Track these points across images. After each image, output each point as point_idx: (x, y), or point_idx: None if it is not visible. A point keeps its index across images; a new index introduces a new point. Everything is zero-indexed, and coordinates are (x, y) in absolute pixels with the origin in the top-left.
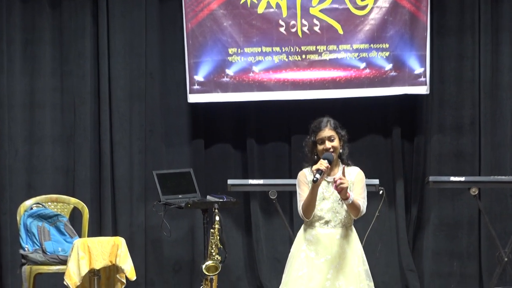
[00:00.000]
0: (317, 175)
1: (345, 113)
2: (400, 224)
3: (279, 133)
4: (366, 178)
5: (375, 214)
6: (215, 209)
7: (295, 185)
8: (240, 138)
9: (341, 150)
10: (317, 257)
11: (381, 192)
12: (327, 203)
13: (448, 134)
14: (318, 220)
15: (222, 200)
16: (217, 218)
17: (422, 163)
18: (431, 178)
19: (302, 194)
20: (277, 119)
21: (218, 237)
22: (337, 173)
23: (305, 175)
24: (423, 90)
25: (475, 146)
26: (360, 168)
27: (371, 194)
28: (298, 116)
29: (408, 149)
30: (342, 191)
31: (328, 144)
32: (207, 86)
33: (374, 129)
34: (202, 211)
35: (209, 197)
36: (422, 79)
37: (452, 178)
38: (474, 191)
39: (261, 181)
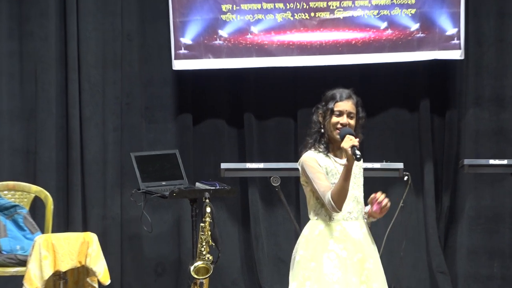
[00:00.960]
0: (357, 152)
1: (362, 82)
2: (429, 216)
3: (283, 106)
4: (388, 159)
5: (399, 204)
6: (205, 198)
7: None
8: (236, 113)
9: (356, 132)
10: (349, 256)
11: (406, 178)
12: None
13: (487, 108)
14: (341, 212)
15: (214, 188)
16: (208, 209)
17: (455, 143)
18: (466, 161)
19: (321, 183)
20: (281, 90)
21: (210, 233)
22: (344, 156)
23: (316, 159)
24: (457, 54)
25: None
26: (381, 149)
27: (394, 181)
28: (306, 86)
29: (438, 126)
30: (382, 211)
31: (345, 119)
32: (196, 50)
33: (397, 102)
34: (190, 201)
35: (198, 184)
36: (456, 41)
37: (492, 161)
38: None
39: (261, 165)
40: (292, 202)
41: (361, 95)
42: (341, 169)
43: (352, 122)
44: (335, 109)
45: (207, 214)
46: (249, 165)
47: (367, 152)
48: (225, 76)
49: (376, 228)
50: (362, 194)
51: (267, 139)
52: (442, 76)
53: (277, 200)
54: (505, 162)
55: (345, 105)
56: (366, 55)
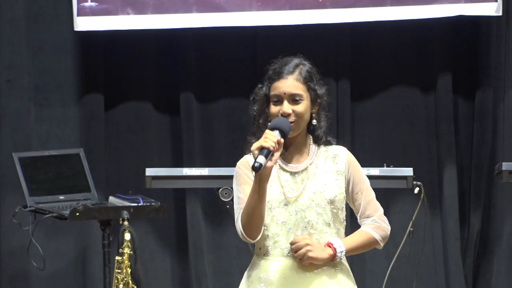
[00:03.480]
0: (261, 159)
1: (354, 50)
2: (452, 247)
3: (238, 84)
4: (392, 163)
5: (407, 229)
6: (123, 220)
7: None
8: (168, 93)
9: (314, 121)
10: None
11: (417, 190)
12: (295, 211)
13: None
14: (275, 242)
15: (136, 204)
16: (127, 236)
17: (489, 140)
18: (506, 166)
19: (242, 197)
20: (234, 61)
21: (129, 270)
22: (303, 161)
23: (247, 164)
24: (491, 9)
25: None
26: (381, 148)
27: (400, 193)
28: (271, 55)
29: (465, 113)
30: (311, 259)
31: (286, 107)
32: (110, 2)
33: (405, 78)
34: (101, 223)
35: (113, 199)
36: None
37: None
38: None
39: (205, 171)
40: None
41: (353, 68)
42: (290, 179)
43: (301, 106)
44: (271, 93)
45: (125, 243)
46: (187, 171)
47: (360, 152)
48: (152, 41)
49: (373, 263)
50: (325, 218)
51: (214, 131)
52: (470, 41)
53: (229, 223)
54: None
55: (283, 85)
56: (359, 10)
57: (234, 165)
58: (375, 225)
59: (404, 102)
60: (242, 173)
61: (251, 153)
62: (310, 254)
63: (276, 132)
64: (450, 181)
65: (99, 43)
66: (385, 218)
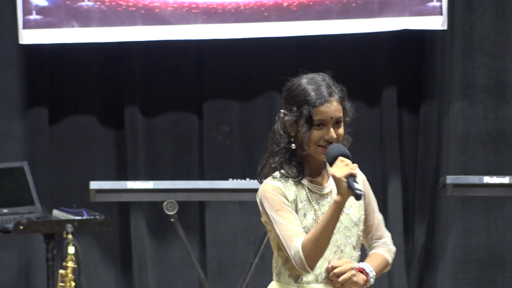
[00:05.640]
0: (360, 186)
1: (299, 63)
2: (395, 258)
3: (183, 97)
4: None
5: None
6: (67, 233)
7: (210, 190)
8: (113, 107)
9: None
10: None
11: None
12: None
13: (481, 102)
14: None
15: (80, 218)
16: (71, 250)
17: (433, 153)
18: (450, 179)
19: (286, 223)
20: (179, 74)
21: (73, 283)
22: (327, 182)
23: (280, 189)
24: (437, 23)
25: None
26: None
27: None
28: (216, 68)
29: (409, 127)
30: (354, 284)
31: (333, 132)
32: (55, 15)
33: (349, 90)
34: (44, 237)
35: (57, 213)
36: (435, 3)
37: (488, 179)
38: None
39: (150, 184)
40: (196, 239)
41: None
42: (321, 203)
43: (342, 130)
44: (315, 118)
45: (69, 257)
46: (131, 184)
47: None
48: (97, 54)
49: None
50: (353, 242)
51: (159, 145)
52: (415, 54)
53: (173, 236)
54: (506, 180)
55: (329, 109)
56: (304, 23)
57: (178, 178)
58: (387, 247)
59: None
60: (277, 199)
61: (273, 177)
62: (354, 278)
63: (349, 161)
64: (394, 194)
65: (44, 56)
66: (391, 238)
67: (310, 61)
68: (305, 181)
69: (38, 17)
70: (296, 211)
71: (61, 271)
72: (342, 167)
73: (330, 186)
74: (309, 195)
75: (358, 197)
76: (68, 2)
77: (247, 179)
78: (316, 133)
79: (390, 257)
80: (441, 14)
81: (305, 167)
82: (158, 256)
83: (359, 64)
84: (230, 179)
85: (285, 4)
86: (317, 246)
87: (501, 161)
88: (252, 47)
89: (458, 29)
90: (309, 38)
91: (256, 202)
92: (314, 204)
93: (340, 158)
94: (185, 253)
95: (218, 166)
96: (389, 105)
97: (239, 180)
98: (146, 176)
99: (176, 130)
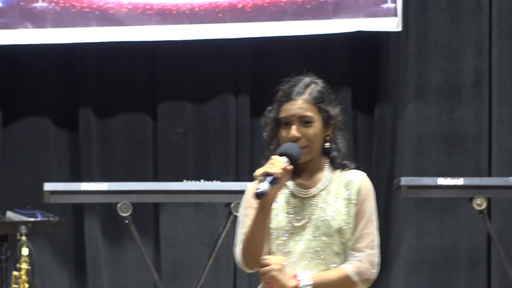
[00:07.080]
0: (264, 185)
1: (254, 65)
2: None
3: (137, 99)
4: None
5: None
6: (21, 235)
7: (164, 192)
8: (67, 108)
9: (327, 145)
10: None
11: None
12: (301, 240)
13: (435, 103)
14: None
15: (34, 219)
16: (24, 251)
17: (388, 154)
18: (404, 181)
19: (246, 222)
20: (134, 75)
21: (27, 285)
22: (318, 184)
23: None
24: (392, 25)
25: (482, 124)
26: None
27: None
28: (171, 69)
29: (364, 128)
30: (273, 279)
31: (295, 131)
32: (8, 16)
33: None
34: None
35: (10, 214)
36: (390, 5)
37: (442, 181)
38: (479, 203)
39: (104, 186)
40: (150, 241)
41: (252, 83)
42: (301, 206)
43: (312, 129)
44: (280, 116)
45: (23, 258)
46: (85, 186)
47: (245, 168)
48: (51, 55)
49: None
50: (334, 249)
51: (113, 146)
52: (369, 56)
53: (127, 238)
54: (460, 181)
55: (292, 107)
56: (259, 25)
57: (133, 180)
58: (357, 265)
59: None
60: (250, 198)
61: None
62: (273, 273)
63: (284, 159)
64: None
65: None
66: (374, 260)
67: (264, 63)
68: (290, 183)
69: None
70: (277, 213)
71: (14, 272)
72: (267, 165)
73: (317, 189)
74: (289, 198)
75: (256, 194)
76: (22, 3)
77: (202, 180)
78: (283, 132)
79: (355, 275)
80: (395, 15)
81: (296, 169)
82: (112, 257)
83: (313, 65)
84: (185, 181)
85: (240, 5)
86: (248, 245)
87: (455, 163)
88: (206, 49)
89: (412, 31)
90: (264, 39)
91: (209, 204)
92: (290, 208)
93: (273, 156)
94: (139, 254)
95: (173, 168)
96: (343, 106)
97: (193, 182)
98: (100, 178)
99: (130, 131)
